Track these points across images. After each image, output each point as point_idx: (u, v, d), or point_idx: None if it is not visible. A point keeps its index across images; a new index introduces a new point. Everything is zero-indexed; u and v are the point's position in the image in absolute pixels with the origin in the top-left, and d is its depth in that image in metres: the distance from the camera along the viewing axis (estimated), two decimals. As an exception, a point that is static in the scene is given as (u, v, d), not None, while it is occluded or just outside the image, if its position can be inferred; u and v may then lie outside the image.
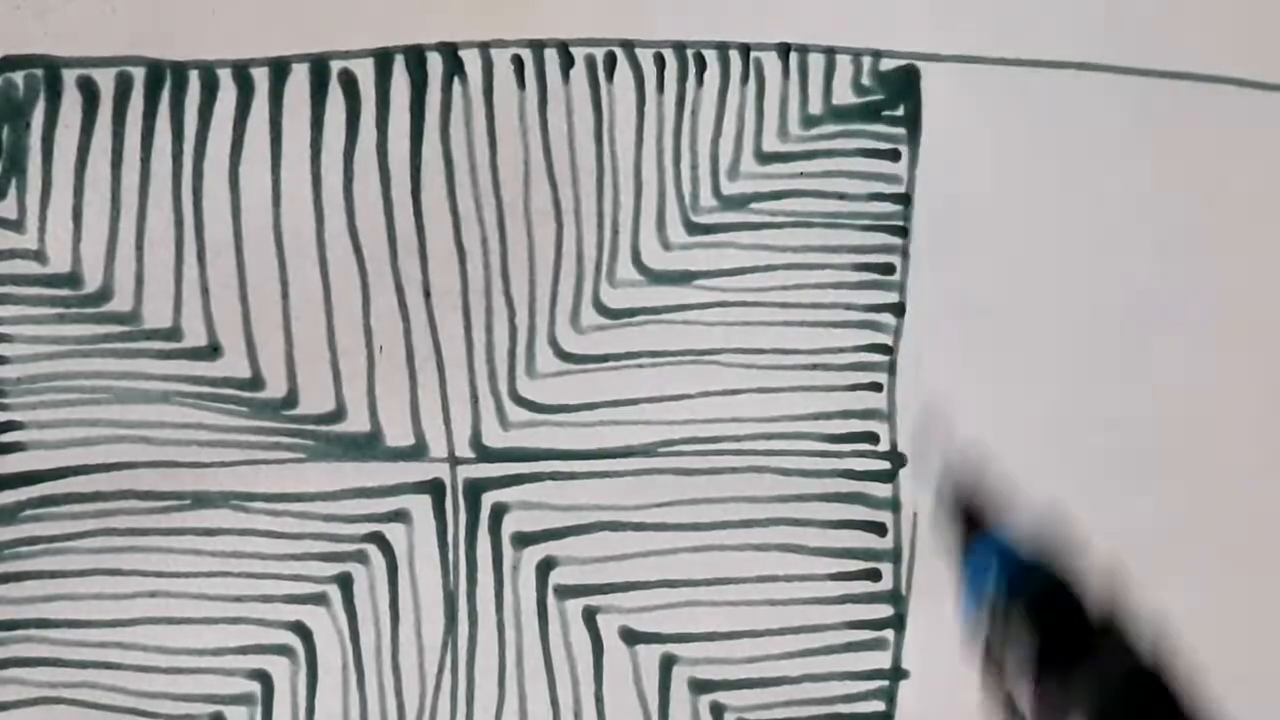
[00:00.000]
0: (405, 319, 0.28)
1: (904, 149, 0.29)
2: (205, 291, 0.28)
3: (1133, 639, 0.27)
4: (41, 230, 0.27)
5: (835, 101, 0.29)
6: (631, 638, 0.29)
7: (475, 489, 0.29)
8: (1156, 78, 0.29)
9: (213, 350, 0.28)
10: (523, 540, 0.29)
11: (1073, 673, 0.26)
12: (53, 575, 0.28)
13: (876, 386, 0.29)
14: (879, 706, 0.30)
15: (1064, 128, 0.29)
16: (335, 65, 0.27)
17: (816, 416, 0.29)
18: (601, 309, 0.29)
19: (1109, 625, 0.27)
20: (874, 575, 0.30)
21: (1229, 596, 0.29)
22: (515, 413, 0.29)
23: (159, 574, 0.28)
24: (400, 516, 0.29)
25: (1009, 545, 0.27)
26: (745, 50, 0.29)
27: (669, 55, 0.28)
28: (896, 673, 0.30)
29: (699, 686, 0.30)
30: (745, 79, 0.29)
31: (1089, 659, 0.26)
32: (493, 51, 0.28)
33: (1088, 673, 0.26)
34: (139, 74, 0.27)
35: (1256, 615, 0.30)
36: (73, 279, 0.28)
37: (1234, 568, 0.30)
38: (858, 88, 0.29)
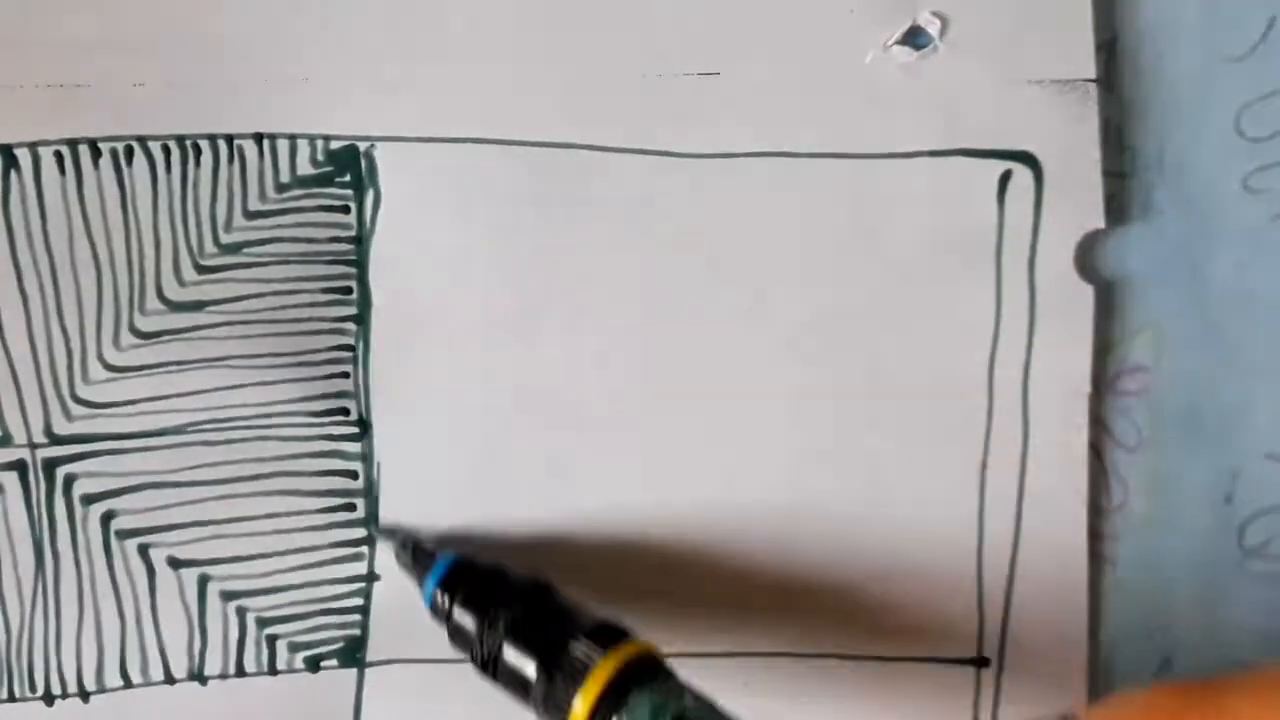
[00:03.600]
0: (-13, 348, 0.38)
1: (353, 205, 0.40)
2: None
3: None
4: None
5: (299, 173, 0.39)
6: (176, 564, 0.40)
7: (50, 465, 0.40)
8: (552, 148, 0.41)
9: None
10: (88, 500, 0.40)
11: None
12: None
13: (345, 375, 0.40)
14: (359, 601, 0.41)
15: (468, 189, 0.40)
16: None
17: (303, 399, 0.40)
18: (136, 332, 0.39)
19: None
20: (350, 508, 0.41)
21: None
22: (76, 409, 0.40)
23: None
24: (-2, 489, 0.39)
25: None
26: (229, 139, 0.39)
27: (173, 145, 0.39)
28: (370, 577, 0.41)
29: (227, 596, 0.41)
30: (231, 159, 0.39)
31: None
32: (39, 148, 0.39)
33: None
34: None
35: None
36: None
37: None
38: (315, 162, 0.39)
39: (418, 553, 0.37)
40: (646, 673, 0.31)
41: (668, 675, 0.31)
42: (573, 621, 0.33)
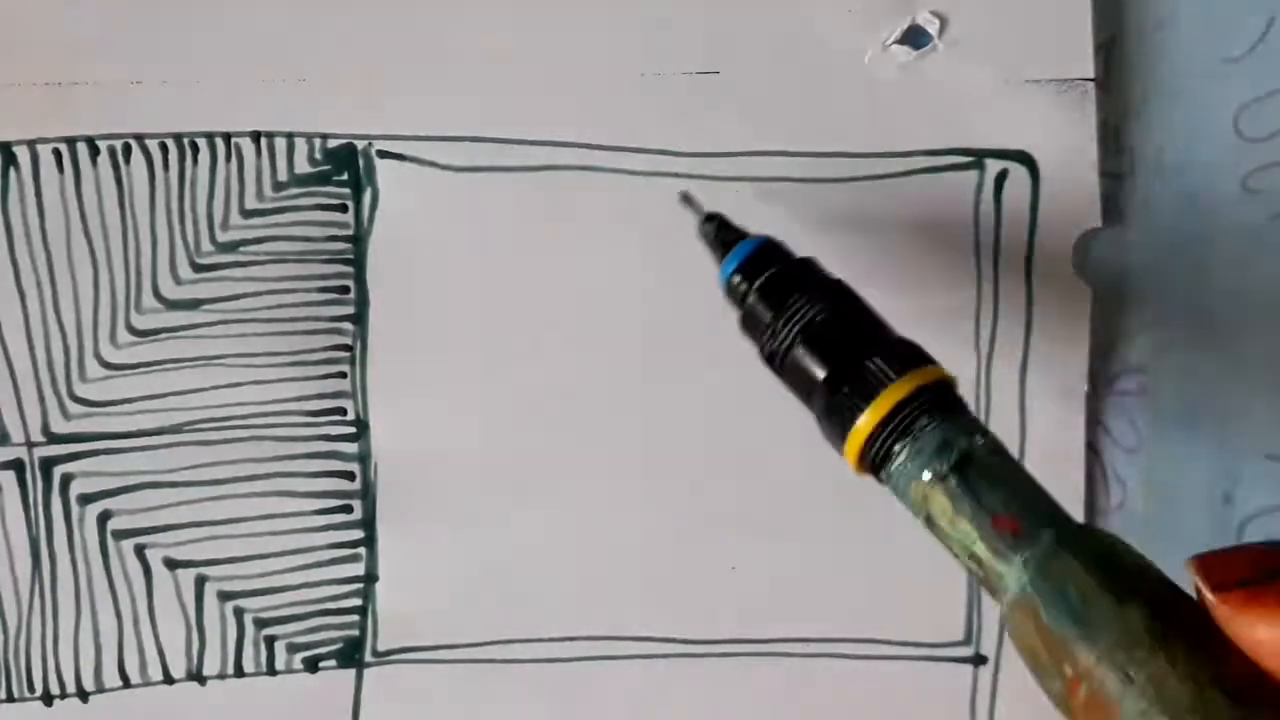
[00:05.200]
0: (-13, 346, 0.38)
1: (350, 203, 0.40)
2: None
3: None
4: None
5: (296, 171, 0.39)
6: (173, 564, 0.40)
7: (48, 464, 0.39)
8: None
9: None
10: (85, 499, 0.40)
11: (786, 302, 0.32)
12: None
13: (343, 375, 0.40)
14: (358, 601, 0.41)
15: (466, 188, 0.40)
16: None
17: (299, 398, 0.40)
18: (132, 330, 0.39)
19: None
20: (348, 509, 0.41)
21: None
22: (74, 408, 0.39)
23: None
24: (-6, 488, 0.39)
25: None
26: (227, 137, 0.39)
27: (170, 143, 0.39)
28: (370, 578, 0.41)
29: (225, 596, 0.41)
30: (229, 158, 0.39)
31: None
32: (38, 146, 0.39)
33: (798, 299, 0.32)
34: None
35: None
36: None
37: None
38: (312, 161, 0.39)
39: (723, 228, 0.34)
40: (939, 402, 0.29)
41: (962, 409, 0.29)
42: (872, 334, 0.31)
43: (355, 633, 0.41)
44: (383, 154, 0.39)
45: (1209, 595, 0.22)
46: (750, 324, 0.32)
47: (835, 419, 0.29)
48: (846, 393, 0.29)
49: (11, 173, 0.38)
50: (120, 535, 0.40)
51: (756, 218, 0.40)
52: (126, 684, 0.41)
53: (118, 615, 0.40)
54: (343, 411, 0.40)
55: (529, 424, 0.41)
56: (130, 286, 0.39)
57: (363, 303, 0.40)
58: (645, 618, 0.42)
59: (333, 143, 0.39)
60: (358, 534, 0.41)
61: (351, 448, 0.41)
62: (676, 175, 0.40)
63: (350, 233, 0.40)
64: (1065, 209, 0.41)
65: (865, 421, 0.29)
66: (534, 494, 0.41)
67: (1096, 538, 0.26)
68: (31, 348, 0.39)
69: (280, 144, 0.39)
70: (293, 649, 0.41)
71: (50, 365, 0.39)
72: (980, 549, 0.27)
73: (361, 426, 0.41)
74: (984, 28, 0.40)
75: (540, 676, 0.41)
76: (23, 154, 0.38)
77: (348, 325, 0.40)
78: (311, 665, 0.41)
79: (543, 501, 0.41)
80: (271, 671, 0.41)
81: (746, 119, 0.40)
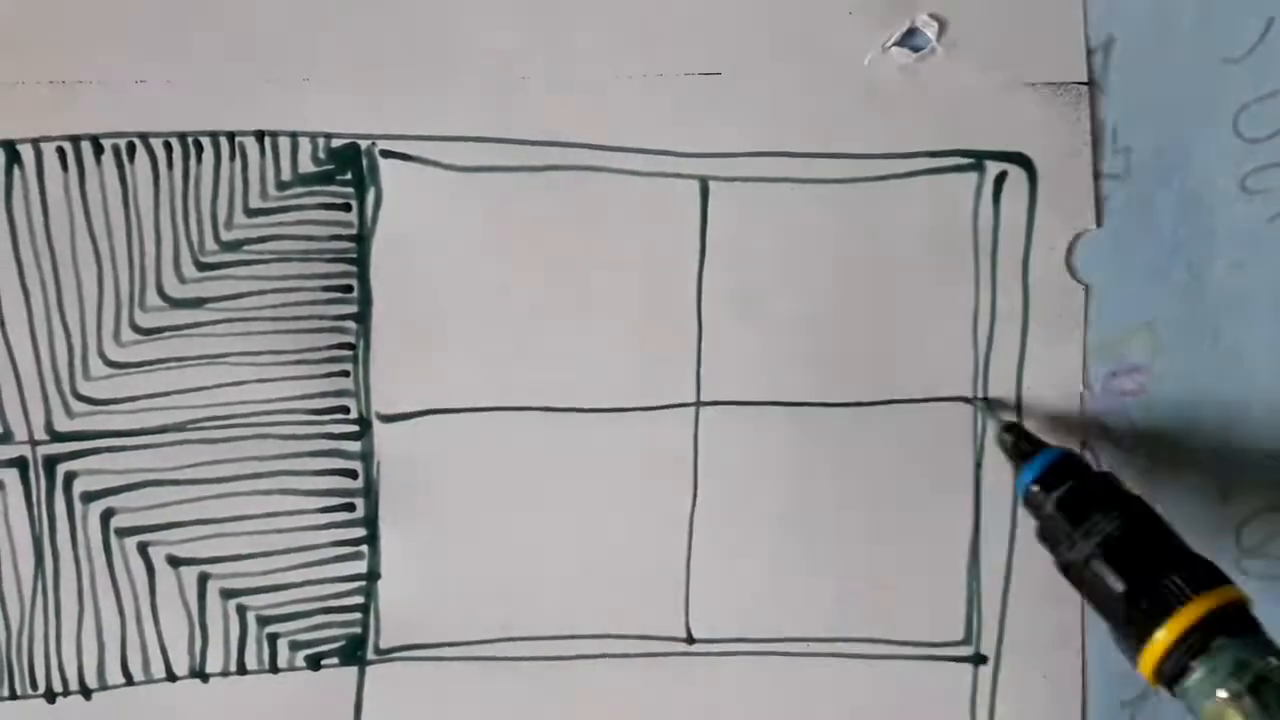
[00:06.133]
0: (-10, 343, 0.38)
1: (354, 202, 0.40)
2: None
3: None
4: None
5: (300, 170, 0.39)
6: (175, 562, 0.41)
7: (51, 462, 0.40)
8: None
9: None
10: (89, 497, 0.40)
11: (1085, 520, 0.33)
12: None
13: (345, 374, 0.41)
14: (360, 599, 0.41)
15: (468, 187, 0.40)
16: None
17: (303, 396, 0.40)
18: (136, 328, 0.40)
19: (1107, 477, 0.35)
20: (350, 508, 0.41)
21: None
22: (77, 406, 0.40)
23: None
24: (-1, 486, 0.39)
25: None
26: (231, 136, 0.39)
27: (174, 142, 0.39)
28: (372, 576, 0.41)
29: (228, 594, 0.41)
30: (233, 157, 0.39)
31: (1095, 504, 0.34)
32: (42, 144, 0.39)
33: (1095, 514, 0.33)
34: None
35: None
36: None
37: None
38: (316, 160, 0.40)
39: (1022, 438, 0.37)
40: (1235, 623, 0.30)
41: (1256, 630, 0.30)
42: (1172, 551, 0.32)
43: (357, 630, 0.41)
44: (386, 153, 0.39)
45: None
46: (1048, 534, 0.34)
47: (1133, 631, 0.31)
48: (1144, 608, 0.31)
49: (16, 171, 0.38)
50: (123, 533, 0.40)
51: (759, 219, 0.40)
52: (129, 681, 0.41)
53: (120, 613, 0.40)
54: (345, 410, 0.41)
55: (530, 423, 0.41)
56: (134, 285, 0.39)
57: (365, 301, 0.40)
58: (645, 616, 0.42)
59: (336, 142, 0.39)
60: (360, 532, 0.41)
61: (354, 446, 0.41)
62: (679, 175, 0.40)
63: (353, 232, 0.40)
64: (1061, 210, 0.41)
65: (1163, 636, 0.30)
66: (535, 493, 0.41)
67: None
68: (35, 346, 0.39)
69: (284, 143, 0.39)
70: (295, 646, 0.41)
71: (54, 363, 0.39)
72: None
73: (364, 425, 0.41)
74: (982, 31, 0.40)
75: (541, 674, 0.41)
76: (27, 152, 0.38)
77: (350, 324, 0.40)
78: (314, 663, 0.41)
79: (544, 500, 0.41)
80: (274, 669, 0.41)
81: (748, 120, 0.40)
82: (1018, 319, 0.41)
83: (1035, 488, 0.35)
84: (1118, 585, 0.31)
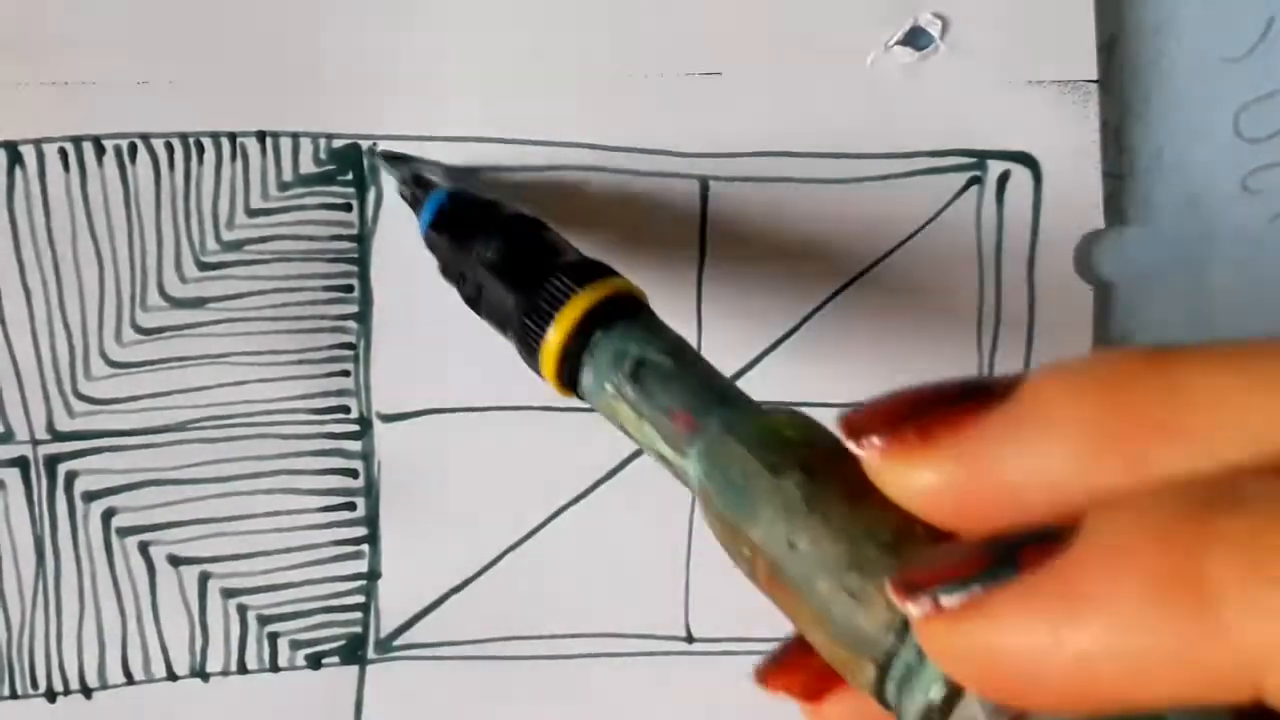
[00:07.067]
0: (-10, 344, 0.39)
1: (354, 203, 0.40)
2: None
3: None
4: None
5: (301, 171, 0.39)
6: (176, 561, 0.41)
7: (52, 462, 0.40)
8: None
9: None
10: (90, 497, 0.40)
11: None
12: None
13: (346, 373, 0.41)
14: (361, 599, 0.42)
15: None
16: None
17: (304, 396, 0.40)
18: (138, 328, 0.40)
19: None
20: (351, 507, 0.41)
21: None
22: (78, 406, 0.40)
23: None
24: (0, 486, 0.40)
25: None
26: (232, 136, 0.40)
27: (176, 142, 0.39)
28: (373, 575, 0.42)
29: (228, 593, 0.41)
30: (234, 157, 0.40)
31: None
32: (43, 145, 0.39)
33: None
34: None
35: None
36: None
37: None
38: (317, 160, 0.40)
39: (419, 186, 0.35)
40: (620, 313, 0.28)
41: (643, 317, 0.28)
42: (554, 257, 0.30)
43: (358, 629, 0.41)
44: (387, 153, 0.39)
45: (853, 449, 0.21)
46: (448, 272, 0.33)
47: (530, 344, 0.29)
48: (535, 318, 0.29)
49: (17, 171, 0.38)
50: (124, 532, 0.40)
51: (757, 218, 0.40)
52: (130, 681, 0.41)
53: (121, 612, 0.41)
54: (346, 409, 0.41)
55: (531, 422, 0.41)
56: (135, 285, 0.39)
57: (366, 301, 0.40)
58: (646, 616, 0.42)
59: (337, 142, 0.40)
60: (361, 531, 0.41)
61: (355, 445, 0.41)
62: (679, 175, 0.40)
63: (354, 232, 0.40)
64: (1067, 211, 0.41)
65: (553, 337, 0.28)
66: (535, 493, 0.41)
67: (762, 417, 0.24)
68: (37, 345, 0.39)
69: (285, 144, 0.39)
70: (296, 646, 0.41)
71: (55, 363, 0.39)
72: (664, 449, 0.26)
73: (365, 424, 0.41)
74: (986, 29, 0.40)
75: (542, 673, 0.42)
76: (29, 153, 0.38)
77: (351, 324, 0.40)
78: (314, 662, 0.41)
79: (545, 499, 0.41)
80: (274, 668, 0.41)
81: (749, 120, 0.40)
82: (1023, 321, 0.41)
83: (431, 232, 0.33)
84: (508, 300, 0.30)
